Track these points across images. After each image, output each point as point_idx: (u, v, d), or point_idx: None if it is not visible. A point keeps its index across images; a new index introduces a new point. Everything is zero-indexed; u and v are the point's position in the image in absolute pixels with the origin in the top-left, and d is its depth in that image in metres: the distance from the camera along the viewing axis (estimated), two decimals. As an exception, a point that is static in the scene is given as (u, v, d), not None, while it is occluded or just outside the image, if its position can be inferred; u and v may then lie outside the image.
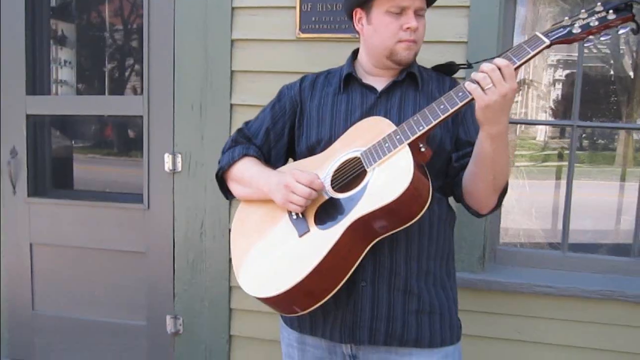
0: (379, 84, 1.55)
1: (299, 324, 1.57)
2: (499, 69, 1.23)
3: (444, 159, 1.52)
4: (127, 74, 3.18)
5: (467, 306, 2.23)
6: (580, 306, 2.18)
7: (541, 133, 4.81)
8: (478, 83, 1.24)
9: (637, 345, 2.15)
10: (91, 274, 2.72)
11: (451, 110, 1.30)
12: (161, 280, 2.60)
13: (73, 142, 3.14)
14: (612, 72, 3.24)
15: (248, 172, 1.57)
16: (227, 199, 1.73)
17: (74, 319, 2.77)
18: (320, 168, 1.46)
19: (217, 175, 1.67)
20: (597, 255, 2.31)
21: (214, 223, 2.47)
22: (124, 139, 3.20)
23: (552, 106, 3.78)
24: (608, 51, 3.24)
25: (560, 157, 4.12)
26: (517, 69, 1.26)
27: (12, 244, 2.80)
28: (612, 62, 3.24)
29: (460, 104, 1.29)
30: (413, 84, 1.55)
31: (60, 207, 2.73)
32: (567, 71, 3.79)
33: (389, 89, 1.54)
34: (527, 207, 2.74)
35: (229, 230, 2.45)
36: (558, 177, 3.50)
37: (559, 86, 3.87)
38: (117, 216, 2.65)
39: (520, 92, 3.98)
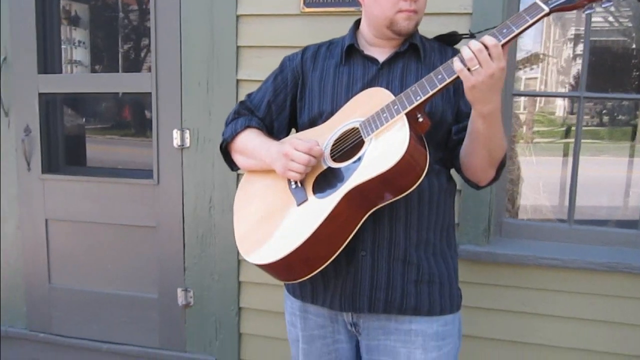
0: (381, 55, 1.55)
1: (301, 293, 1.59)
2: (487, 48, 1.22)
3: (445, 131, 1.52)
4: (139, 52, 3.21)
5: (472, 278, 2.26)
6: (586, 278, 2.18)
7: (560, 109, 4.78)
8: (464, 63, 1.24)
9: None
10: (104, 249, 2.79)
11: (448, 80, 1.29)
12: (172, 254, 2.65)
13: (85, 120, 3.19)
14: (634, 45, 3.19)
15: (251, 144, 1.59)
16: (233, 170, 1.75)
17: (89, 291, 2.84)
18: (321, 138, 1.47)
19: (221, 147, 1.69)
20: (604, 227, 2.30)
21: (222, 198, 2.51)
22: (134, 117, 3.24)
23: (570, 81, 3.74)
24: (630, 24, 3.20)
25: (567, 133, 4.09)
26: (513, 38, 1.25)
27: (28, 220, 2.87)
28: (634, 35, 3.20)
29: (455, 77, 1.29)
30: (415, 55, 1.55)
31: (73, 184, 2.79)
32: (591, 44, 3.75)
33: (390, 61, 1.54)
34: (535, 182, 2.74)
35: (237, 205, 2.49)
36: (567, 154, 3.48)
37: (579, 60, 3.83)
38: (128, 192, 2.69)
39: (539, 65, 3.94)
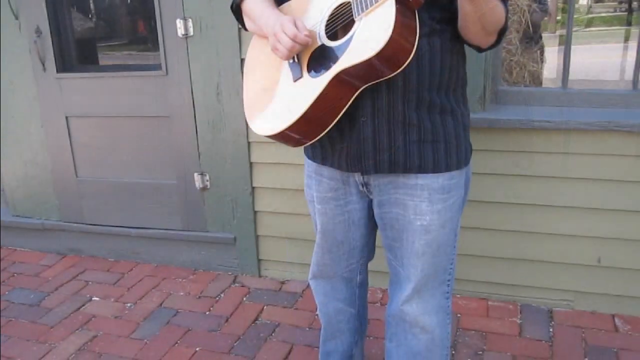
0: None
1: (313, 155, 1.68)
2: None
3: None
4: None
5: (468, 144, 2.36)
6: (579, 138, 2.26)
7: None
8: None
9: (630, 174, 2.25)
10: (123, 140, 2.95)
11: None
12: (186, 141, 2.80)
13: (93, 21, 3.24)
14: None
15: (257, 8, 1.58)
16: (245, 29, 1.73)
17: (113, 182, 3.04)
18: (318, 9, 1.47)
19: (231, 7, 1.69)
20: (595, 89, 2.35)
21: (228, 84, 2.61)
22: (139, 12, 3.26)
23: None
24: None
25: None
26: None
27: (49, 118, 3.03)
28: None
29: None
30: None
31: (88, 81, 2.91)
32: None
33: None
34: (534, 50, 2.76)
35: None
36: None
37: None
38: (140, 85, 2.81)
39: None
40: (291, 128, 1.41)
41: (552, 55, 3.01)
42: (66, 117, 3.01)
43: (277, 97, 1.50)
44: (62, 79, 2.94)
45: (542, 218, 2.40)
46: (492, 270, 2.54)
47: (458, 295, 2.60)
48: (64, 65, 2.97)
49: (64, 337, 2.49)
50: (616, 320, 2.41)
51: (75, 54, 3.02)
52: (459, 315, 2.49)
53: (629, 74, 2.35)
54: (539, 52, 2.80)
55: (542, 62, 2.82)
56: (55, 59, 2.92)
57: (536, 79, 2.77)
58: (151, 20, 2.72)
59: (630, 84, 2.33)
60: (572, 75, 2.38)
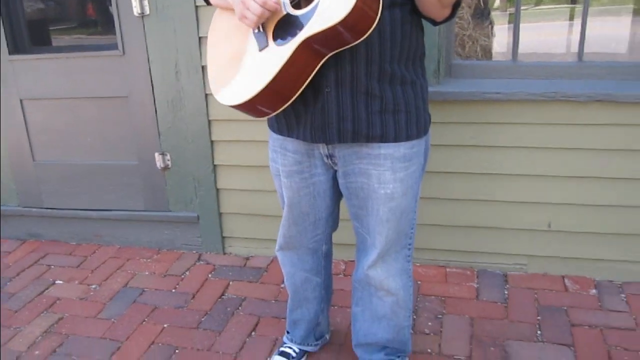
0: None
1: (278, 127, 1.71)
2: None
3: None
4: None
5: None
6: (528, 109, 2.36)
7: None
8: None
9: (577, 141, 2.37)
10: (81, 122, 2.92)
11: None
12: (145, 121, 2.79)
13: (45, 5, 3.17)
14: None
15: None
16: (208, 4, 1.74)
17: (73, 164, 3.01)
18: None
19: None
20: (543, 61, 2.45)
21: (187, 62, 2.61)
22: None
23: None
24: None
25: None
26: None
27: (3, 102, 2.97)
28: None
29: None
30: None
31: (42, 62, 2.86)
32: None
33: None
34: (486, 25, 2.86)
35: (202, 67, 2.60)
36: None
37: None
38: (96, 65, 2.78)
39: None
40: (258, 97, 1.44)
41: (502, 31, 3.11)
42: (20, 100, 2.95)
43: (244, 67, 1.52)
44: (14, 61, 2.89)
45: (496, 186, 2.51)
46: (450, 238, 2.64)
47: (418, 264, 2.70)
48: (16, 46, 2.91)
49: (29, 321, 2.48)
50: (566, 281, 2.55)
51: (28, 36, 2.96)
52: (419, 282, 2.58)
53: (575, 47, 2.46)
54: (490, 27, 2.89)
55: (492, 36, 2.91)
56: (7, 40, 2.85)
57: (488, 53, 2.87)
58: (106, 0, 2.69)
59: (575, 56, 2.44)
60: (522, 49, 2.48)
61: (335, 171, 1.72)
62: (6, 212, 3.20)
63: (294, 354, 2.08)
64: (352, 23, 1.31)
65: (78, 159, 3.00)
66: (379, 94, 1.54)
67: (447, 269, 2.68)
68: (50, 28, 3.12)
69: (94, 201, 3.05)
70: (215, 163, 2.77)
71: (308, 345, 2.11)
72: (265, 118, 1.75)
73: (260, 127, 2.57)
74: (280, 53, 1.42)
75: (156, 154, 2.83)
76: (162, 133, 2.79)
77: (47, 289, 2.73)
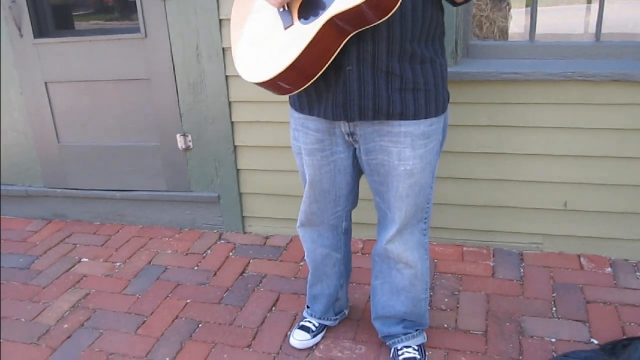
0: None
1: (300, 105, 1.75)
2: None
3: None
4: None
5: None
6: (544, 89, 2.38)
7: None
8: None
9: (594, 121, 2.38)
10: (104, 104, 2.99)
11: None
12: (167, 103, 2.85)
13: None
14: None
15: None
16: None
17: (96, 146, 3.09)
18: None
19: None
20: (560, 41, 2.47)
21: (207, 44, 2.66)
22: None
23: None
24: None
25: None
26: None
27: (28, 85, 3.04)
28: None
29: None
30: None
31: (65, 45, 2.92)
32: None
33: None
34: (502, 6, 2.87)
35: (222, 50, 2.65)
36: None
37: None
38: (118, 48, 2.84)
39: None
40: (283, 74, 1.49)
41: (519, 14, 3.13)
42: (45, 83, 3.02)
43: (269, 45, 1.56)
44: (39, 44, 2.95)
45: (513, 166, 2.53)
46: (467, 217, 2.68)
47: (435, 243, 2.74)
48: (40, 30, 2.97)
49: (57, 296, 2.57)
50: (581, 259, 2.58)
51: (52, 19, 3.02)
52: (435, 260, 2.63)
53: (592, 28, 2.47)
54: (507, 8, 2.90)
55: (510, 18, 2.93)
56: (32, 24, 2.92)
57: (505, 34, 2.88)
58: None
59: (593, 37, 2.45)
60: (539, 30, 2.49)
61: (355, 149, 1.77)
62: (31, 192, 3.28)
63: (313, 328, 2.14)
64: (376, 2, 1.35)
65: (101, 140, 3.07)
66: (399, 72, 1.58)
67: (464, 248, 2.72)
68: (75, 12, 3.19)
69: (117, 182, 3.12)
70: (235, 144, 2.82)
71: (327, 319, 2.17)
72: (287, 98, 1.80)
73: (279, 108, 2.62)
74: (305, 31, 1.46)
75: (177, 135, 2.89)
76: (183, 114, 2.84)
77: (73, 266, 2.82)
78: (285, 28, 1.53)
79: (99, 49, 2.87)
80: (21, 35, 2.94)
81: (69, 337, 2.28)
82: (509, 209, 2.62)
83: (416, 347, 1.98)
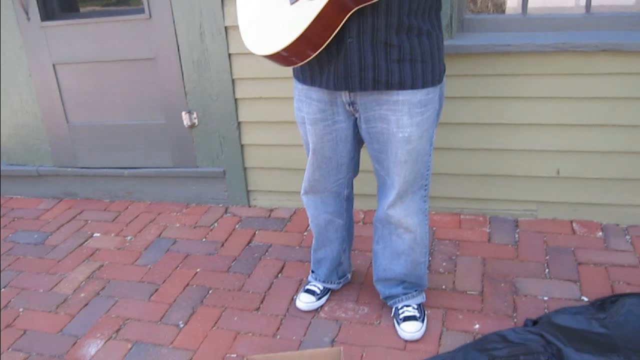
0: None
1: (303, 77, 1.85)
2: None
3: None
4: None
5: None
6: (536, 60, 2.46)
7: None
8: None
9: (584, 91, 2.47)
10: (111, 84, 3.08)
11: None
12: (172, 82, 2.94)
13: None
14: None
15: None
16: None
17: (104, 125, 3.18)
18: None
19: None
20: (551, 14, 2.55)
21: (210, 23, 2.74)
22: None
23: None
24: None
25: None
26: None
27: (36, 67, 3.13)
28: None
29: None
30: None
31: (72, 28, 3.01)
32: None
33: None
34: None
35: (225, 28, 2.73)
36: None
37: None
38: (124, 29, 2.92)
39: None
40: (290, 47, 1.59)
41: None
42: (53, 65, 3.11)
43: (276, 20, 1.65)
44: (46, 27, 3.03)
45: (506, 136, 2.63)
46: (463, 186, 2.79)
47: (433, 212, 2.85)
48: (47, 13, 3.05)
49: (72, 268, 2.68)
50: (574, 224, 2.69)
51: (57, 3, 3.10)
52: (434, 228, 2.74)
53: (583, 1, 2.55)
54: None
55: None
56: (38, 8, 3.00)
57: (499, 9, 2.96)
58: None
59: (583, 9, 2.53)
60: (531, 4, 2.57)
61: (356, 118, 1.87)
62: (42, 172, 3.39)
63: (318, 291, 2.26)
64: None
65: (109, 119, 3.16)
66: (397, 44, 1.67)
67: (461, 216, 2.83)
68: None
69: (125, 160, 3.23)
70: (239, 120, 2.92)
71: (331, 283, 2.28)
72: (288, 74, 1.89)
73: (281, 85, 2.71)
74: (311, 7, 1.56)
75: (183, 113, 2.99)
76: (188, 92, 2.94)
77: (86, 240, 2.93)
78: (292, 3, 1.62)
79: (105, 31, 2.96)
80: (28, 19, 3.03)
81: (86, 304, 2.41)
82: (504, 178, 2.72)
83: (415, 306, 2.10)
